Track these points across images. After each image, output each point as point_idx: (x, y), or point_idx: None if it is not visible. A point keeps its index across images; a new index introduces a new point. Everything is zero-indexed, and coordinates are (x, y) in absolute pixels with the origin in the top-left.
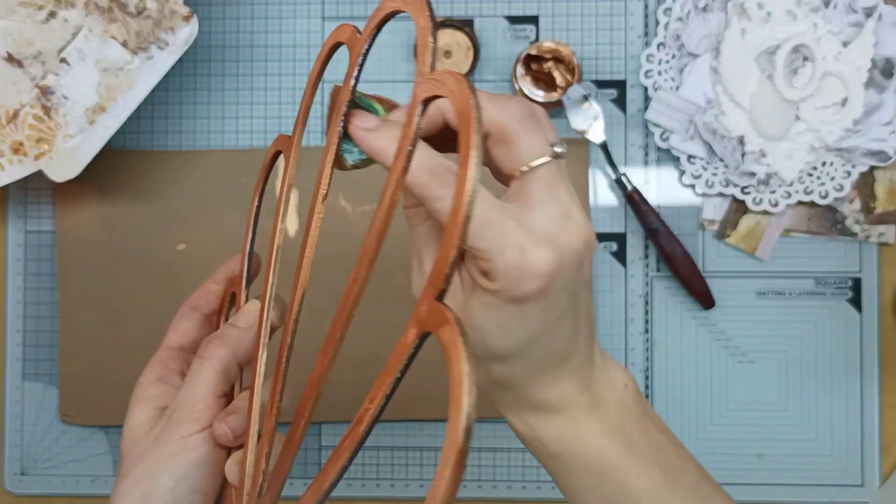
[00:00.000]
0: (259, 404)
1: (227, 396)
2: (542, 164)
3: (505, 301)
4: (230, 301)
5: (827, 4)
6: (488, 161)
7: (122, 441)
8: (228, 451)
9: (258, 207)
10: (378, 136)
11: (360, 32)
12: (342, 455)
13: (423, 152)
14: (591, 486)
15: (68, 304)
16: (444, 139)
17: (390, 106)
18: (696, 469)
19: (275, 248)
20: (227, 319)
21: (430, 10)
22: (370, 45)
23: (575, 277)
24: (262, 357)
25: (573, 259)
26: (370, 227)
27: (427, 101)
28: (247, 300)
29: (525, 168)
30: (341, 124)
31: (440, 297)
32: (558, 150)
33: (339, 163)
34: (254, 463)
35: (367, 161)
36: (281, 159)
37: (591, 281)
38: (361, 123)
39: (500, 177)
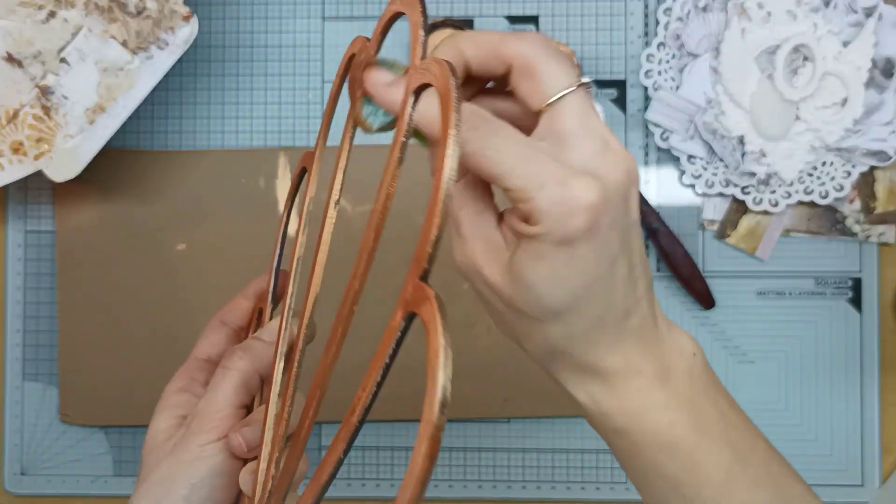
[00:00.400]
0: (274, 414)
1: (248, 408)
2: (570, 93)
3: (552, 245)
4: (258, 317)
5: (827, 4)
6: (516, 101)
7: (143, 446)
8: (244, 461)
9: (286, 225)
10: (396, 90)
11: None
12: (338, 447)
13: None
14: (657, 464)
15: (68, 304)
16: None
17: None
18: (765, 447)
19: (295, 261)
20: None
21: (423, 6)
22: (378, 48)
23: (623, 214)
24: (280, 367)
25: (619, 192)
26: (368, 221)
27: (418, 91)
28: (272, 317)
29: (553, 99)
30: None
31: (424, 277)
32: (586, 78)
33: (364, 126)
34: (265, 471)
35: (393, 122)
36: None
37: (639, 222)
38: (378, 79)
39: (528, 119)
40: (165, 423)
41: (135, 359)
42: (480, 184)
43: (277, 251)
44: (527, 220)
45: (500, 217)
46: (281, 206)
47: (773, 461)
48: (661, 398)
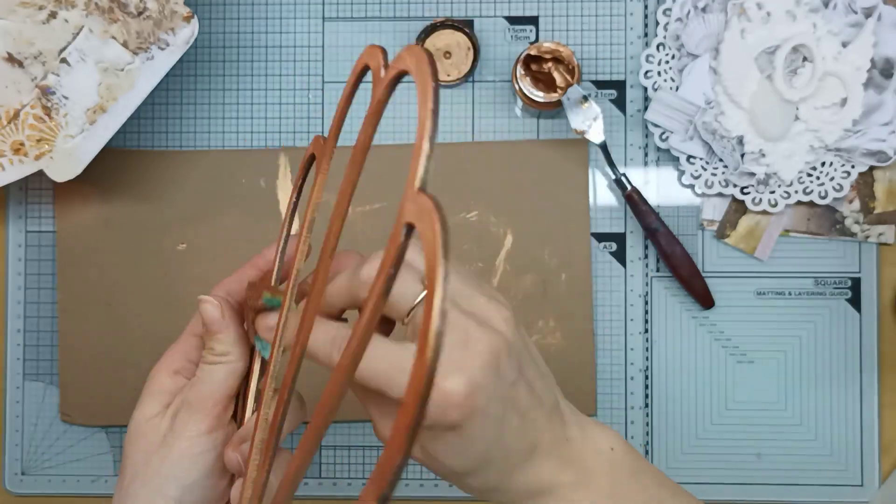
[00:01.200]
0: (268, 419)
1: (241, 397)
2: (419, 302)
3: (442, 431)
4: (255, 291)
5: (826, 5)
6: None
7: (127, 436)
8: None
9: (295, 204)
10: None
11: (385, 60)
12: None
13: (322, 327)
14: None
15: (69, 303)
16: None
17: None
18: None
19: (297, 262)
20: (253, 314)
21: (434, 71)
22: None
23: (497, 384)
24: (273, 370)
25: (485, 373)
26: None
27: (410, 227)
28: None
29: (408, 314)
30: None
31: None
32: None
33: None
34: (255, 478)
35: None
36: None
37: (525, 369)
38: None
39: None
40: (153, 409)
41: (135, 359)
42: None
43: (284, 233)
44: None
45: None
46: (282, 206)
47: None
48: (585, 500)
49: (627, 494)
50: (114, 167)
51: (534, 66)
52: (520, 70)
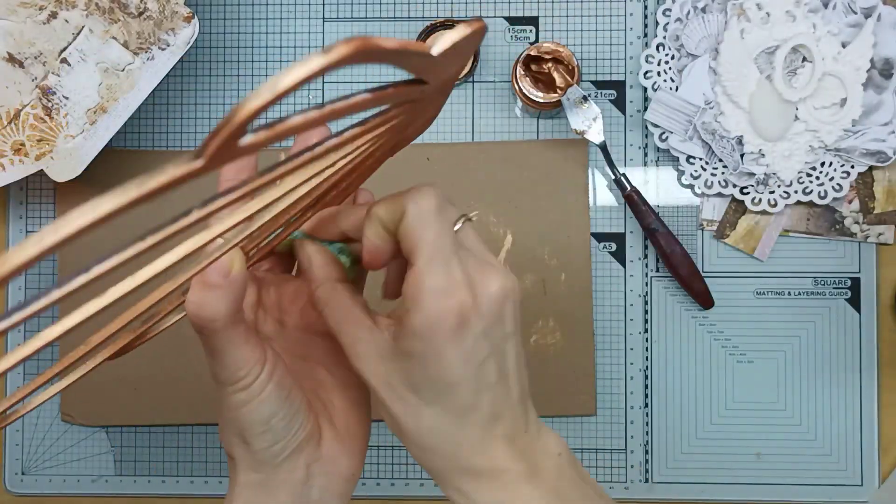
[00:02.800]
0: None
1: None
2: (462, 225)
3: (422, 342)
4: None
5: (826, 5)
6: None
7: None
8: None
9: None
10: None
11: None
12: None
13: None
14: None
15: (68, 303)
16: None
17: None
18: None
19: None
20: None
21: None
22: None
23: (495, 325)
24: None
25: (492, 304)
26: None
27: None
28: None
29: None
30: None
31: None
32: (472, 214)
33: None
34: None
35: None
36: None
37: (518, 337)
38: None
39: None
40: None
41: (135, 360)
42: (354, 291)
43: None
44: (408, 317)
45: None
46: None
47: None
48: (532, 492)
49: (571, 493)
50: (114, 167)
51: (534, 67)
52: (519, 70)
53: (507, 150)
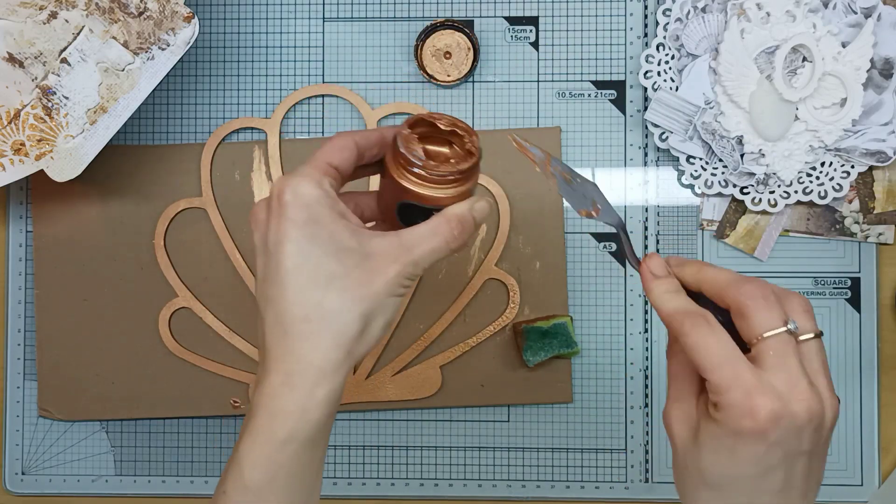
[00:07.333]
0: None
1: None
2: (772, 336)
3: (724, 432)
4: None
5: (826, 5)
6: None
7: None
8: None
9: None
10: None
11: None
12: None
13: (679, 297)
14: None
15: (46, 300)
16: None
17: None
18: None
19: None
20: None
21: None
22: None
23: (791, 440)
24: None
25: (792, 420)
26: None
27: None
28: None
29: (757, 338)
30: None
31: None
32: (791, 326)
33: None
34: None
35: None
36: None
37: (818, 455)
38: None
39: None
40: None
41: (111, 353)
42: (691, 365)
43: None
44: (715, 406)
45: (700, 391)
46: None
47: None
48: None
49: None
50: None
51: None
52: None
53: (480, 139)
